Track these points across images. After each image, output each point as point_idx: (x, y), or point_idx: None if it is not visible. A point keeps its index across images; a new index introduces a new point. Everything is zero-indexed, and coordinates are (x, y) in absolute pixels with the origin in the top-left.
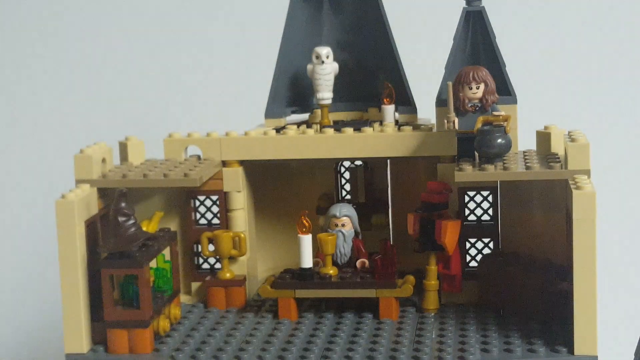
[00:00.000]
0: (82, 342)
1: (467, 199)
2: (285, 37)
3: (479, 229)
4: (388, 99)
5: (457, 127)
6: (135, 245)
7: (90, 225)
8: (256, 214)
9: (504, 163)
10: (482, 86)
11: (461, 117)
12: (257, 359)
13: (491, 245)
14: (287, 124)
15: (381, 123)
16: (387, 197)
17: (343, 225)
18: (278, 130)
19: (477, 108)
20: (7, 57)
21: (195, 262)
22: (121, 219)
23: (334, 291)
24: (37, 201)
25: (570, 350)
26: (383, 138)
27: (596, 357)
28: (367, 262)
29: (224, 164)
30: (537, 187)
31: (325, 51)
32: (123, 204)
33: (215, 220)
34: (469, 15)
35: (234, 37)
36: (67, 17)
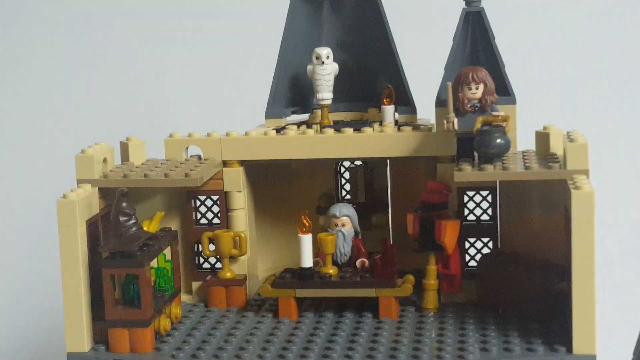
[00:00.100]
0: (83, 342)
1: (466, 198)
2: (285, 37)
3: (478, 229)
4: (388, 99)
5: (456, 127)
6: (136, 244)
7: (92, 225)
8: (256, 214)
9: (503, 163)
10: (481, 86)
11: (460, 118)
12: (257, 358)
13: (490, 245)
14: (287, 124)
15: (381, 123)
16: (387, 197)
17: (343, 225)
18: (278, 130)
19: (476, 108)
20: (7, 58)
21: (196, 262)
22: (122, 218)
23: (334, 291)
24: (38, 201)
25: (569, 350)
26: (383, 138)
27: (595, 356)
28: (367, 261)
29: (225, 164)
30: (536, 187)
31: (325, 52)
32: (124, 204)
33: (216, 220)
34: (468, 16)
35: (234, 37)
36: (67, 17)
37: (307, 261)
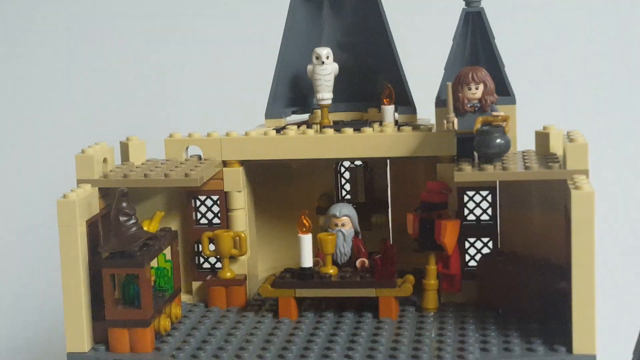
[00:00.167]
0: (83, 341)
1: (466, 198)
2: (285, 38)
3: (478, 229)
4: (388, 99)
5: (456, 127)
6: (136, 244)
7: (92, 224)
8: (256, 214)
9: (503, 163)
10: (481, 87)
11: (460, 118)
12: (257, 358)
13: (490, 244)
14: (287, 124)
15: (381, 123)
16: (387, 197)
17: (343, 225)
18: (278, 130)
19: (476, 108)
20: (7, 58)
21: (196, 262)
22: (122, 218)
23: (334, 290)
24: (38, 201)
25: (569, 350)
26: (383, 138)
27: (594, 356)
28: (367, 261)
29: (225, 164)
30: (536, 187)
31: (325, 52)
32: (124, 204)
33: (216, 220)
34: (468, 16)
35: (234, 37)
36: (67, 17)
37: (307, 261)
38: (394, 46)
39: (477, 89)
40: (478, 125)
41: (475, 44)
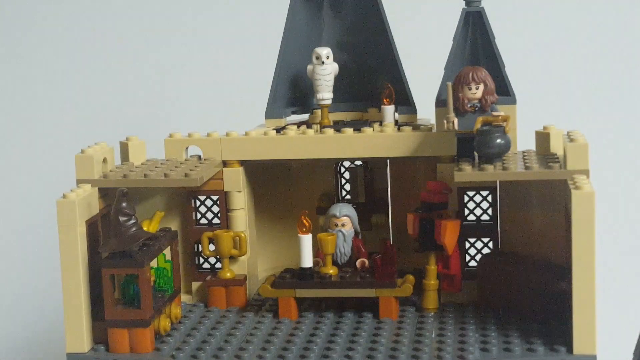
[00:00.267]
0: (83, 342)
1: (466, 198)
2: (285, 37)
3: (478, 229)
4: (388, 99)
5: (456, 127)
6: (136, 245)
7: (91, 225)
8: (256, 214)
9: (504, 163)
10: (481, 86)
11: (461, 118)
12: (257, 358)
13: (490, 245)
14: (287, 124)
15: (381, 123)
16: (387, 197)
17: (343, 225)
18: (278, 130)
19: (476, 108)
20: (7, 58)
21: (196, 262)
22: (122, 218)
23: (334, 291)
24: (38, 201)
25: (569, 350)
26: (383, 138)
27: (595, 356)
28: (367, 261)
29: (225, 164)
30: (536, 187)
31: (325, 52)
32: (124, 204)
33: (216, 220)
34: (468, 16)
35: (234, 37)
36: (67, 17)
37: (307, 261)
38: (394, 46)
39: (477, 89)
40: (478, 125)
41: (475, 44)
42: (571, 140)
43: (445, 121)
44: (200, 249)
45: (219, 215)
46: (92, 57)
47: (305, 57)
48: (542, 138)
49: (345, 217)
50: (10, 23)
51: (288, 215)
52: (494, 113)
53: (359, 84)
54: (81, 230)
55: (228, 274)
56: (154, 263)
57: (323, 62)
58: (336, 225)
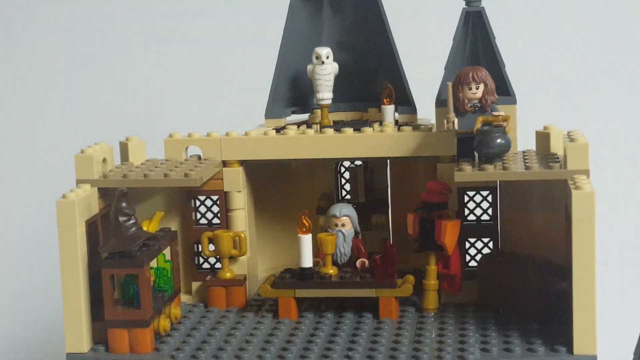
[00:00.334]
0: (82, 342)
1: (466, 198)
2: (285, 37)
3: (478, 229)
4: (388, 99)
5: (456, 127)
6: (135, 245)
7: (91, 225)
8: (256, 214)
9: (504, 163)
10: (481, 86)
11: (461, 117)
12: (257, 358)
13: (490, 245)
14: (287, 124)
15: (381, 123)
16: (387, 197)
17: (343, 225)
18: (278, 130)
19: (476, 108)
20: (7, 58)
21: (196, 262)
22: (122, 218)
23: (334, 291)
24: (37, 201)
25: (570, 350)
26: (383, 138)
27: (595, 356)
28: (367, 261)
29: (224, 164)
30: (536, 187)
31: (325, 51)
32: (124, 204)
33: (216, 220)
34: (468, 16)
35: (234, 37)
36: (67, 17)
37: (307, 261)
38: (394, 46)
39: (477, 88)
40: (478, 125)
41: (475, 44)
42: (571, 140)
43: (445, 121)
44: (200, 249)
45: (218, 215)
46: (92, 57)
47: (305, 57)
48: (543, 138)
49: (345, 217)
50: (10, 23)
51: (288, 215)
52: (494, 113)
53: (359, 84)
54: (81, 231)
55: (228, 274)
56: (153, 263)
57: (323, 62)
58: (336, 225)
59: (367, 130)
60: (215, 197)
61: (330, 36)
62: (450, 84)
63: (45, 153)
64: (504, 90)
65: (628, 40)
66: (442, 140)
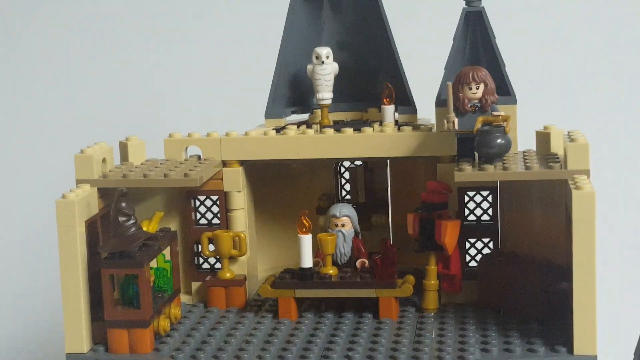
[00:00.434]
0: (82, 342)
1: (466, 199)
2: (285, 37)
3: (478, 229)
4: (388, 99)
5: (456, 127)
6: (135, 245)
7: (91, 225)
8: (256, 214)
9: (504, 163)
10: (481, 86)
11: (461, 117)
12: (257, 358)
13: (491, 245)
14: (287, 124)
15: (381, 123)
16: (387, 197)
17: (343, 225)
18: (278, 130)
19: (476, 108)
20: (7, 58)
21: (196, 262)
22: (121, 218)
23: (334, 291)
24: (37, 201)
25: (570, 350)
26: (383, 138)
27: (596, 356)
28: (367, 262)
29: (224, 164)
30: (536, 187)
31: (325, 51)
32: (123, 204)
33: (216, 220)
34: (468, 16)
35: (234, 37)
36: (67, 17)
37: (307, 261)
38: (394, 46)
39: (477, 88)
40: (478, 125)
41: (475, 44)
42: (572, 140)
43: (445, 121)
44: (199, 249)
45: (218, 215)
46: (92, 57)
47: (305, 57)
48: (543, 138)
49: (345, 217)
50: (10, 23)
51: (288, 215)
52: (495, 113)
53: (359, 83)
54: (80, 231)
55: (228, 274)
56: (153, 263)
57: (323, 62)
58: (336, 225)
59: (367, 130)
60: (215, 197)
61: (330, 36)
62: (450, 83)
63: (45, 153)
64: (504, 90)
65: (628, 40)
66: (442, 140)
